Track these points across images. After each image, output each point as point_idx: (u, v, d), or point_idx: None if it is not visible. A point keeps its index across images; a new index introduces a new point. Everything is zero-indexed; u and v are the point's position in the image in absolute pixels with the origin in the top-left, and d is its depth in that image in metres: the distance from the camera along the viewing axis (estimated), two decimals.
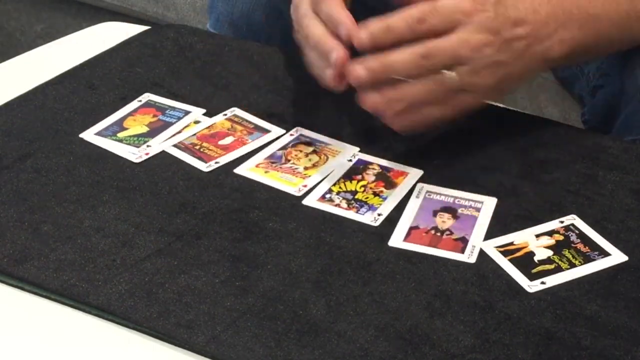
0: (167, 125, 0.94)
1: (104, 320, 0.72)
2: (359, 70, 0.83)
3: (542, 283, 0.75)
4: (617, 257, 0.78)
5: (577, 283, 0.75)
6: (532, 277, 0.75)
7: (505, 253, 0.77)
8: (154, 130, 0.93)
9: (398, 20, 0.83)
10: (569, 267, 0.77)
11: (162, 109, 0.96)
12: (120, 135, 0.92)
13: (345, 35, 0.83)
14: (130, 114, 0.96)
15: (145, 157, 0.89)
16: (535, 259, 0.77)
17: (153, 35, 1.10)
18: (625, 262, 0.77)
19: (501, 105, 1.00)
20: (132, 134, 0.92)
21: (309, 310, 0.72)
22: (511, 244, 0.78)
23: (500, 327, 0.71)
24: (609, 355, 0.69)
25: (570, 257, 0.78)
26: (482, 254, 0.78)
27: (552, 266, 0.77)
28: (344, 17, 0.84)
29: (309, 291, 0.74)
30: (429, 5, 0.83)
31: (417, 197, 0.84)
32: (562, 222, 0.81)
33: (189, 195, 0.84)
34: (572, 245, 0.79)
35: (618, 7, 0.91)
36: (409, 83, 0.83)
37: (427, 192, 0.85)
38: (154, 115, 0.95)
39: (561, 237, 0.80)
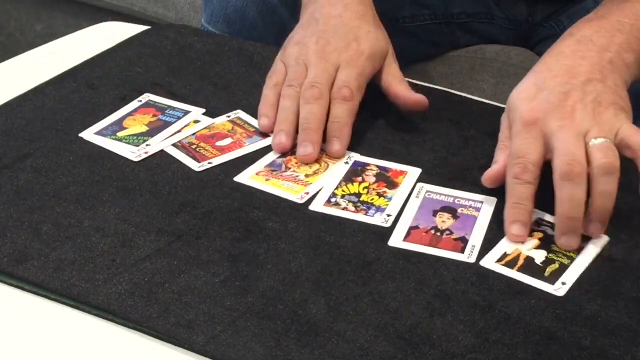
0: (167, 125, 0.94)
1: (104, 320, 0.72)
2: (567, 242, 0.79)
3: (564, 284, 0.75)
4: (600, 239, 0.79)
5: (578, 283, 0.75)
6: (551, 281, 0.75)
7: (509, 265, 0.77)
8: (154, 130, 0.93)
9: (520, 188, 0.81)
10: (569, 261, 0.77)
11: (162, 109, 0.96)
12: (120, 134, 0.92)
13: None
14: (130, 114, 0.96)
15: (145, 156, 0.89)
16: (537, 262, 0.77)
17: (153, 35, 1.10)
18: (625, 261, 0.77)
19: (501, 105, 1.00)
20: (132, 134, 0.92)
21: (309, 310, 0.72)
22: (506, 254, 0.78)
23: (500, 327, 0.71)
24: (609, 355, 0.69)
25: (562, 250, 0.78)
26: (482, 254, 0.78)
27: (557, 265, 0.77)
28: None
29: (309, 291, 0.74)
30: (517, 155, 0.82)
31: (417, 197, 0.84)
32: None
33: (189, 195, 0.84)
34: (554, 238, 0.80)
35: None
36: (598, 195, 0.79)
37: (427, 192, 0.85)
38: (154, 115, 0.95)
39: (540, 235, 0.80)
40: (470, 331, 0.71)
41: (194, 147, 0.89)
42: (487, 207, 0.83)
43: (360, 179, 0.86)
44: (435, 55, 1.28)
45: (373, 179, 0.86)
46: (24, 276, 0.75)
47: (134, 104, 0.97)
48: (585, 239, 0.79)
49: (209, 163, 0.87)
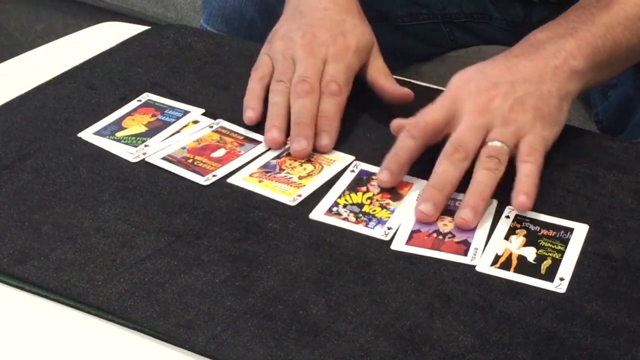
0: (166, 125, 0.94)
1: (104, 320, 0.72)
2: (428, 211, 0.82)
3: (561, 279, 0.75)
4: (580, 228, 0.80)
5: (577, 283, 0.75)
6: (548, 278, 0.75)
7: (504, 267, 0.77)
8: (152, 130, 0.93)
9: (407, 141, 0.85)
10: (560, 255, 0.78)
11: (161, 108, 0.96)
12: (119, 134, 0.92)
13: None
14: (129, 113, 0.96)
15: (142, 157, 0.89)
16: (530, 260, 0.77)
17: (153, 35, 1.10)
18: (625, 261, 0.77)
19: None
20: (130, 134, 0.92)
21: (309, 310, 0.72)
22: (498, 256, 0.78)
23: (500, 327, 0.71)
24: (609, 355, 0.69)
25: (550, 245, 0.79)
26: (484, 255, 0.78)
27: (549, 261, 0.77)
28: None
29: (309, 291, 0.74)
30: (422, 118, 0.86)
31: (417, 199, 0.84)
32: (508, 217, 0.81)
33: (189, 195, 0.84)
34: (539, 234, 0.80)
35: (626, 13, 0.91)
36: (479, 183, 0.82)
37: None
38: (153, 115, 0.95)
39: (524, 231, 0.80)
40: (470, 331, 0.71)
41: (190, 161, 0.88)
42: (488, 209, 0.83)
43: (364, 188, 0.85)
44: (434, 55, 1.28)
45: (377, 189, 0.85)
46: (24, 276, 0.75)
47: (133, 104, 0.97)
48: (568, 232, 0.80)
49: (213, 175, 0.87)
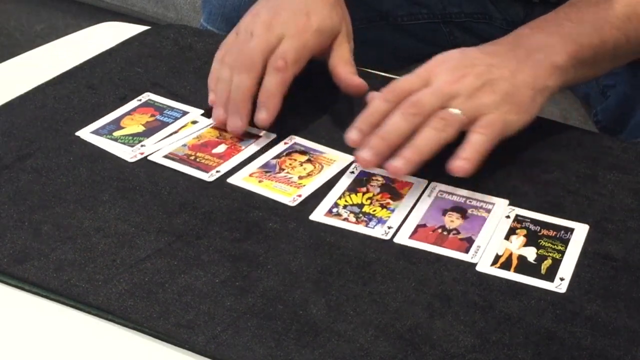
0: (164, 125, 0.94)
1: (104, 320, 0.72)
2: (367, 156, 0.83)
3: (562, 279, 0.75)
4: (581, 228, 0.80)
5: (577, 283, 0.75)
6: (549, 278, 0.75)
7: (504, 267, 0.77)
8: (150, 130, 0.93)
9: (377, 104, 0.85)
10: (560, 255, 0.78)
11: (160, 108, 0.96)
12: (116, 134, 0.92)
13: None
14: (128, 113, 0.96)
15: (140, 157, 0.89)
16: (530, 260, 0.77)
17: (153, 35, 1.10)
18: (625, 261, 0.77)
19: None
20: (128, 133, 0.92)
21: (309, 310, 0.72)
22: (498, 256, 0.78)
23: (500, 327, 0.71)
24: (609, 355, 0.69)
25: (550, 245, 0.79)
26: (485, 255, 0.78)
27: (550, 261, 0.77)
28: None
29: (309, 291, 0.74)
30: (397, 83, 0.87)
31: (429, 195, 0.84)
32: (508, 217, 0.81)
33: (189, 195, 0.84)
34: (539, 234, 0.80)
35: (615, 12, 0.92)
36: (418, 137, 0.83)
37: (440, 191, 0.85)
38: (152, 115, 0.95)
39: (524, 231, 0.80)
40: (470, 331, 0.71)
41: (192, 158, 0.89)
42: (497, 208, 0.83)
43: (364, 189, 0.85)
44: (434, 55, 1.28)
45: (377, 190, 0.85)
46: (24, 276, 0.75)
47: (133, 103, 0.97)
48: (568, 232, 0.80)
49: (217, 171, 0.87)
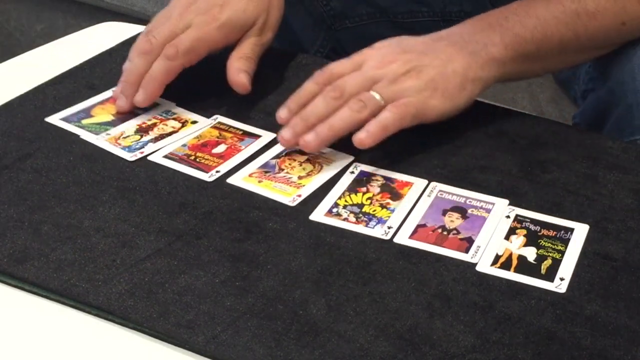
0: (133, 115, 0.95)
1: (104, 320, 0.72)
2: (286, 135, 0.88)
3: (562, 279, 0.75)
4: (581, 228, 0.80)
5: (577, 283, 0.75)
6: (549, 278, 0.75)
7: (504, 267, 0.77)
8: (118, 120, 0.94)
9: (306, 88, 0.89)
10: (560, 255, 0.78)
11: None
12: (85, 122, 0.93)
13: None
14: (101, 102, 0.97)
15: (140, 156, 0.89)
16: (530, 260, 0.77)
17: None
18: (625, 261, 0.77)
19: (501, 105, 1.00)
20: (96, 122, 0.93)
21: (309, 310, 0.72)
22: (498, 255, 0.78)
23: (500, 327, 0.71)
24: (609, 355, 0.69)
25: (550, 245, 0.79)
26: (485, 255, 0.78)
27: (550, 261, 0.77)
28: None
29: (309, 291, 0.74)
30: (326, 69, 0.90)
31: (429, 195, 0.84)
32: (508, 216, 0.82)
33: (189, 195, 0.84)
34: (539, 234, 0.80)
35: (564, 8, 0.92)
36: (334, 115, 0.87)
37: (440, 191, 0.85)
38: None
39: (524, 231, 0.80)
40: (470, 331, 0.71)
41: (192, 158, 0.89)
42: (497, 208, 0.83)
43: (364, 189, 0.85)
44: None
45: (377, 190, 0.85)
46: (24, 276, 0.75)
47: (107, 93, 0.98)
48: (568, 232, 0.80)
49: (217, 172, 0.87)
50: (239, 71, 0.96)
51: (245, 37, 0.98)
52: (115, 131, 0.92)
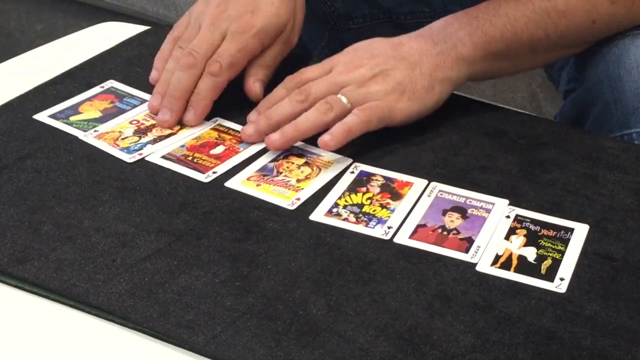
0: (121, 112, 0.95)
1: (104, 320, 0.72)
2: (248, 130, 0.91)
3: (562, 279, 0.75)
4: (581, 228, 0.80)
5: (577, 283, 0.75)
6: (549, 278, 0.75)
7: (504, 267, 0.77)
8: (106, 117, 0.94)
9: (279, 91, 0.92)
10: (560, 255, 0.78)
11: (121, 96, 0.98)
12: (72, 119, 0.94)
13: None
14: (89, 99, 0.97)
15: (138, 157, 0.89)
16: (530, 260, 0.77)
17: (153, 35, 1.10)
18: (625, 261, 0.77)
19: (501, 105, 1.00)
20: (83, 119, 0.94)
21: (309, 310, 0.72)
22: (498, 256, 0.78)
23: (500, 327, 0.71)
24: (609, 355, 0.69)
25: (550, 245, 0.79)
26: (485, 256, 0.78)
27: (550, 261, 0.77)
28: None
29: (309, 291, 0.74)
30: (297, 74, 0.92)
31: (429, 195, 0.84)
32: (508, 216, 0.82)
33: (189, 195, 0.84)
34: (539, 234, 0.80)
35: (534, 7, 0.92)
36: (302, 117, 0.88)
37: (440, 191, 0.85)
38: (111, 102, 0.97)
39: (524, 231, 0.80)
40: (470, 331, 0.71)
41: (190, 158, 0.89)
42: (497, 208, 0.83)
43: (364, 189, 0.85)
44: None
45: (377, 190, 0.85)
46: (24, 276, 0.75)
47: (96, 89, 0.99)
48: (568, 232, 0.80)
49: (214, 172, 0.87)
50: (255, 80, 0.96)
51: (273, 44, 0.97)
52: (103, 128, 0.92)
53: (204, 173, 0.86)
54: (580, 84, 1.04)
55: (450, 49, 0.92)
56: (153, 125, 0.93)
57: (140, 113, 0.95)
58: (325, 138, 0.86)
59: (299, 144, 0.91)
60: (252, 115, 0.92)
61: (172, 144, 0.91)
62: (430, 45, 0.92)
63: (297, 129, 0.88)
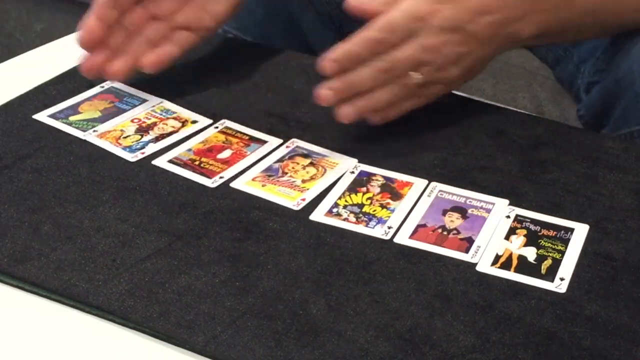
0: (120, 112, 0.95)
1: (104, 320, 0.72)
2: (326, 93, 0.88)
3: (562, 279, 0.75)
4: (581, 228, 0.80)
5: (577, 283, 0.75)
6: (549, 278, 0.75)
7: (504, 267, 0.77)
8: (105, 116, 0.94)
9: (358, 45, 0.87)
10: (560, 255, 0.77)
11: (120, 95, 0.98)
12: (72, 118, 0.94)
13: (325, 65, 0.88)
14: (89, 98, 0.97)
15: (141, 157, 0.89)
16: (530, 260, 0.77)
17: None
18: (625, 261, 0.77)
19: (501, 105, 1.00)
20: (83, 119, 0.94)
21: (309, 310, 0.72)
22: (498, 255, 0.78)
23: (500, 327, 0.71)
24: (609, 355, 0.69)
25: (550, 245, 0.79)
26: (485, 256, 0.78)
27: (550, 261, 0.77)
28: None
29: (309, 291, 0.74)
30: (384, 22, 0.87)
31: (429, 195, 0.84)
32: (508, 216, 0.82)
33: (189, 195, 0.84)
34: (539, 234, 0.80)
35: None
36: (376, 90, 0.88)
37: (440, 191, 0.85)
38: (111, 102, 0.97)
39: (524, 231, 0.80)
40: (470, 331, 0.71)
41: (197, 163, 0.88)
42: (498, 208, 0.83)
43: (364, 189, 0.85)
44: None
45: (377, 190, 0.85)
46: (24, 276, 0.75)
47: (95, 89, 0.99)
48: (568, 232, 0.80)
49: (220, 177, 0.86)
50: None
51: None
52: (102, 128, 0.92)
53: (210, 178, 0.86)
54: (606, 75, 1.04)
55: (516, 32, 0.90)
56: (155, 124, 0.93)
57: (141, 112, 0.95)
58: (375, 119, 0.90)
59: (303, 144, 0.91)
60: (328, 63, 0.87)
61: (179, 147, 0.90)
62: (504, 24, 0.90)
63: (369, 107, 0.89)
